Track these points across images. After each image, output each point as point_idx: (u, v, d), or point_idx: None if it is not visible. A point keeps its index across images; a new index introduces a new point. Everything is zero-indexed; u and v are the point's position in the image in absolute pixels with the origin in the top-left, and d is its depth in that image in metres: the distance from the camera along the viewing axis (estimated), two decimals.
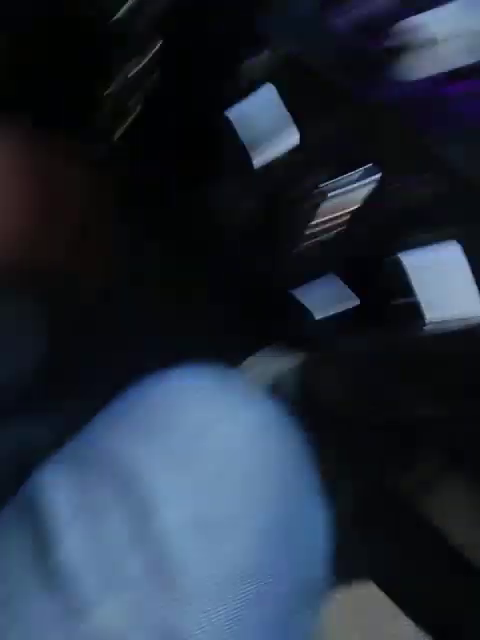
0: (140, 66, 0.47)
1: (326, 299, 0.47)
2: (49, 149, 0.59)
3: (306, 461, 0.37)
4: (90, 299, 0.72)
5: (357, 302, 0.45)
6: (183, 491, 0.30)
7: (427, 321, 0.37)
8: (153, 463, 0.31)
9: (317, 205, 0.39)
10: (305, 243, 0.43)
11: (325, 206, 0.39)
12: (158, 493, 0.30)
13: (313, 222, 0.40)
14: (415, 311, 0.38)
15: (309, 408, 0.64)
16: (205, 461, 0.32)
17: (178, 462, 0.32)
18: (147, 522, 0.29)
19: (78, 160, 0.60)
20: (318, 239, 0.42)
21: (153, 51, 0.48)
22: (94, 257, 0.65)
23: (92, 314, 0.75)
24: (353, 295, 0.45)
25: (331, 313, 0.47)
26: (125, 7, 0.46)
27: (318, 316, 0.48)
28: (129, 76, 0.48)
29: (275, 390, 0.59)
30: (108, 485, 0.30)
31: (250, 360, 0.58)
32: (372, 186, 0.38)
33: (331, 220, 0.41)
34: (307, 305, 0.50)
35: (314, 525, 0.36)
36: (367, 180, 0.37)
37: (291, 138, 0.39)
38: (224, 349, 0.69)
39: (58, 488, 0.31)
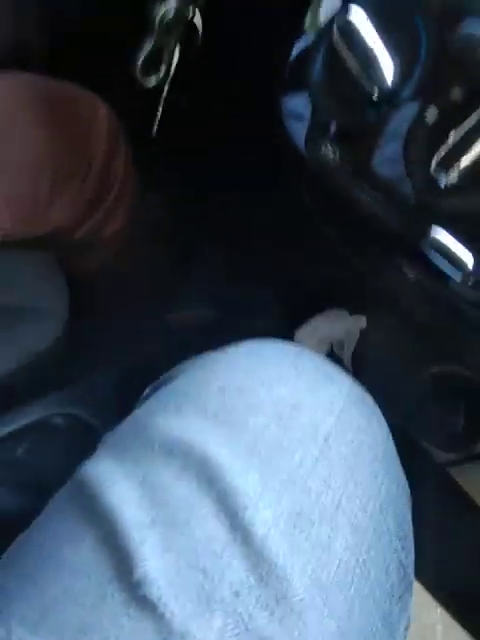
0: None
1: None
2: (71, 99, 0.56)
3: (389, 439, 0.34)
4: (108, 259, 0.69)
5: None
6: (274, 485, 0.26)
7: None
8: (234, 456, 0.26)
9: None
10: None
11: None
12: (247, 490, 0.25)
13: None
14: None
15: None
16: (292, 451, 0.27)
17: (263, 453, 0.27)
18: (240, 525, 0.24)
19: (103, 112, 0.56)
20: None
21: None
22: (115, 214, 0.62)
23: (110, 275, 0.72)
24: None
25: None
26: None
27: None
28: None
29: (339, 351, 0.56)
30: (186, 481, 0.26)
31: (312, 322, 0.53)
32: None
33: None
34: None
35: (404, 510, 0.32)
36: None
37: None
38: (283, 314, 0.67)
39: (122, 487, 0.26)
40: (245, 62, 0.56)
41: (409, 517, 0.33)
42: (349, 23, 0.35)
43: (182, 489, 0.25)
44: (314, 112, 0.39)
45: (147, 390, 0.37)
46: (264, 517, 0.25)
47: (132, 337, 0.76)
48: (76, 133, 0.55)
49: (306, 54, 0.40)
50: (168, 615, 0.22)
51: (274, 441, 0.28)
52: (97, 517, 0.25)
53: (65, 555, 0.25)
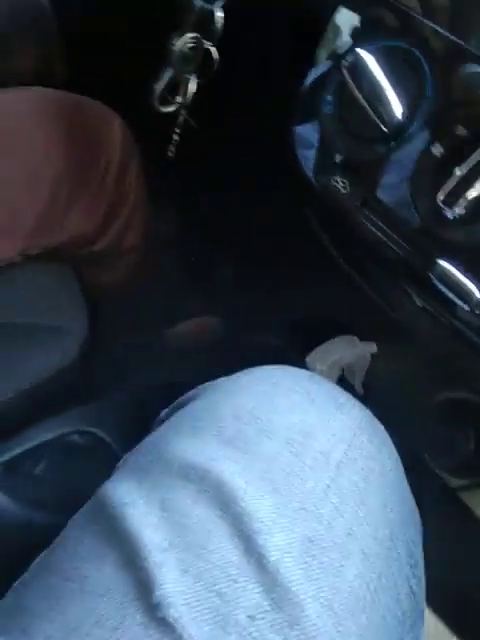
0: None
1: None
2: (86, 111, 0.59)
3: (399, 466, 0.34)
4: (125, 273, 0.71)
5: None
6: (287, 513, 0.27)
7: None
8: (248, 481, 0.27)
9: None
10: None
11: None
12: (260, 515, 0.26)
13: None
14: None
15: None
16: (305, 478, 0.28)
17: (276, 480, 0.28)
18: (254, 549, 0.25)
19: (117, 123, 0.59)
20: None
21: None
22: (131, 226, 0.64)
23: (126, 289, 0.74)
24: None
25: None
26: None
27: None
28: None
29: (349, 377, 0.57)
30: (203, 506, 0.26)
31: (323, 347, 0.55)
32: None
33: None
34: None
35: (414, 537, 0.32)
36: None
37: None
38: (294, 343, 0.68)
39: (142, 510, 0.27)
40: (259, 91, 0.58)
41: (420, 545, 0.33)
42: (358, 61, 0.36)
43: (199, 513, 0.26)
44: (324, 145, 0.40)
45: (163, 413, 0.38)
46: (277, 542, 0.26)
47: (148, 356, 0.78)
48: (91, 144, 0.57)
49: (317, 85, 0.42)
50: (186, 637, 0.23)
51: (287, 468, 0.28)
52: (118, 539, 0.26)
53: (88, 575, 0.26)
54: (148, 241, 0.72)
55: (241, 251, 0.81)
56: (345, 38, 0.41)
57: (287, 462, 0.28)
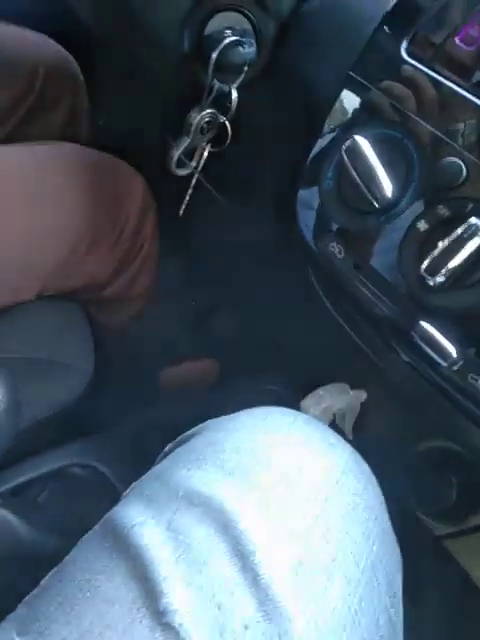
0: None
1: None
2: (111, 168, 0.63)
3: (382, 503, 0.38)
4: (132, 317, 0.75)
5: None
6: (280, 537, 0.30)
7: None
8: (247, 508, 0.31)
9: None
10: None
11: None
12: (256, 538, 0.29)
13: None
14: None
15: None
16: (297, 508, 0.32)
17: (271, 507, 0.31)
18: (250, 567, 0.28)
19: (139, 181, 0.64)
20: None
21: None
22: (142, 273, 0.69)
23: (130, 332, 0.78)
24: None
25: None
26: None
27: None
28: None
29: (340, 422, 0.60)
30: (205, 527, 0.30)
31: (316, 393, 0.59)
32: None
33: None
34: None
35: (394, 570, 0.35)
36: None
37: None
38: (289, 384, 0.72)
39: (150, 529, 0.30)
40: (268, 158, 0.63)
41: (399, 578, 0.36)
42: (355, 145, 0.42)
43: (202, 533, 0.30)
44: (323, 214, 0.45)
45: (168, 447, 0.41)
46: (270, 562, 0.29)
47: (145, 394, 0.81)
48: (115, 199, 0.62)
49: (320, 156, 0.47)
50: None
51: (281, 498, 0.32)
52: (128, 554, 0.29)
53: (100, 585, 0.29)
54: (154, 289, 0.77)
55: (241, 300, 0.86)
56: (347, 115, 0.46)
57: (282, 493, 0.32)
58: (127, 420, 0.71)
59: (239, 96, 0.53)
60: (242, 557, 0.29)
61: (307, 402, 0.58)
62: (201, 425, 0.40)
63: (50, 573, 0.33)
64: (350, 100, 0.46)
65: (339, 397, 0.58)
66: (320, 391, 0.59)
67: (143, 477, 0.37)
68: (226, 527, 0.30)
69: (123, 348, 0.81)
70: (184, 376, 0.91)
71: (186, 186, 0.60)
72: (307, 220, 0.48)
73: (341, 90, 0.47)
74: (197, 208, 0.62)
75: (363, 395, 0.58)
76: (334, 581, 0.30)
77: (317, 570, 0.30)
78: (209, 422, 0.40)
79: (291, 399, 0.66)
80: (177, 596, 0.27)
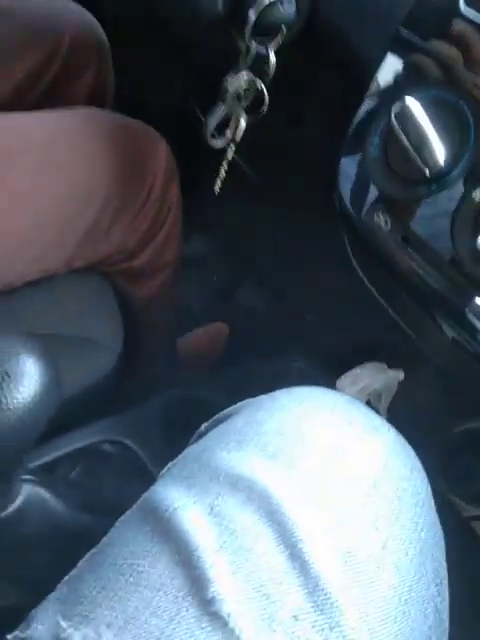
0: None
1: None
2: (134, 133, 0.62)
3: (429, 489, 0.36)
4: (160, 289, 0.74)
5: None
6: (327, 524, 0.29)
7: None
8: (292, 493, 0.30)
9: None
10: None
11: None
12: (303, 525, 0.28)
13: None
14: None
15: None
16: (343, 493, 0.30)
17: (317, 493, 0.30)
18: (298, 555, 0.27)
19: (162, 146, 0.62)
20: None
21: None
22: (170, 241, 0.67)
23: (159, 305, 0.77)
24: None
25: None
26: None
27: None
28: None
29: (375, 402, 0.59)
30: (250, 513, 0.29)
31: (354, 371, 0.57)
32: None
33: None
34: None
35: (440, 557, 0.34)
36: None
37: None
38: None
39: (193, 513, 0.29)
40: (304, 126, 0.61)
41: (444, 564, 0.35)
42: (405, 109, 0.39)
43: (246, 519, 0.28)
44: (367, 183, 0.43)
45: (203, 426, 0.40)
46: (319, 551, 0.28)
47: (177, 372, 0.80)
48: (138, 163, 0.61)
49: (364, 123, 0.45)
50: (237, 631, 0.25)
51: (327, 483, 0.31)
52: (171, 538, 0.28)
53: (142, 571, 0.28)
54: (181, 261, 0.75)
55: (269, 275, 0.84)
56: (395, 78, 0.44)
57: (327, 477, 0.31)
58: (157, 396, 0.70)
59: (277, 59, 0.51)
60: (289, 545, 0.28)
61: (343, 381, 0.57)
62: (239, 404, 0.39)
63: (89, 554, 0.32)
64: (398, 61, 0.43)
65: (377, 376, 0.56)
66: (357, 370, 0.57)
67: (180, 457, 0.35)
68: (271, 513, 0.29)
69: (151, 320, 0.80)
70: (198, 343, 0.90)
71: (217, 158, 0.57)
72: (350, 190, 0.45)
73: (388, 49, 0.44)
74: (226, 181, 0.60)
75: (400, 375, 0.56)
76: (384, 570, 0.29)
77: (367, 559, 0.29)
78: (248, 401, 0.39)
79: (319, 376, 0.65)
80: (224, 585, 0.26)
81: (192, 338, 0.92)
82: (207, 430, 0.39)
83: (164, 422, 0.66)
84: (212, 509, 0.29)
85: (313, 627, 0.26)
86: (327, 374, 0.60)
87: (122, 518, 0.34)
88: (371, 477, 0.32)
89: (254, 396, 0.39)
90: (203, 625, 0.25)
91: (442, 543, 0.36)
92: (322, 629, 0.26)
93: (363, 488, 0.31)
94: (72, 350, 0.60)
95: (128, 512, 0.34)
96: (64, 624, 0.26)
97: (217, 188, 0.55)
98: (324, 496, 0.30)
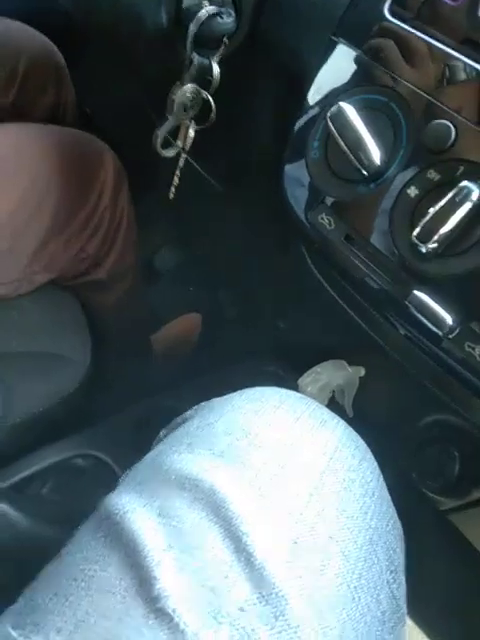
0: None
1: None
2: (79, 143, 0.64)
3: (379, 478, 0.37)
4: (125, 296, 0.75)
5: None
6: (273, 517, 0.30)
7: None
8: (238, 489, 0.30)
9: None
10: None
11: None
12: (249, 519, 0.29)
13: None
14: None
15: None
16: (290, 486, 0.31)
17: (264, 488, 0.31)
18: (243, 549, 0.28)
19: (108, 153, 0.64)
20: None
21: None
22: (128, 246, 0.69)
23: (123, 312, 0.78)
24: None
25: None
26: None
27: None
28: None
29: (339, 399, 0.60)
30: (197, 511, 0.29)
31: (315, 369, 0.58)
32: None
33: None
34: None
35: (395, 544, 0.35)
36: None
37: None
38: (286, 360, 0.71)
39: (141, 516, 0.30)
40: (253, 133, 0.62)
41: (400, 552, 0.36)
42: (340, 113, 0.40)
43: (193, 517, 0.29)
44: (312, 187, 0.44)
45: (162, 433, 0.41)
46: (264, 542, 0.28)
47: (144, 380, 0.81)
48: (85, 173, 0.62)
49: (306, 127, 0.46)
50: (182, 626, 0.25)
51: (274, 477, 0.31)
52: (121, 542, 0.29)
53: (94, 575, 0.28)
54: (141, 268, 0.76)
55: (238, 283, 0.85)
56: (332, 82, 0.45)
57: (274, 471, 0.31)
58: (128, 406, 0.70)
59: (221, 69, 0.52)
60: (235, 539, 0.28)
61: (305, 380, 0.58)
62: (195, 408, 0.39)
63: (48, 565, 0.33)
64: (334, 66, 0.45)
65: (336, 373, 0.57)
66: (317, 368, 0.58)
67: (137, 464, 0.36)
68: (217, 509, 0.29)
69: (120, 328, 0.81)
70: (172, 336, 0.91)
71: (173, 169, 0.58)
72: (296, 193, 0.46)
73: (324, 56, 0.45)
74: (189, 190, 0.61)
75: (361, 371, 0.57)
76: (331, 559, 0.29)
77: (313, 548, 0.29)
78: (203, 404, 0.40)
79: (290, 379, 0.66)
80: (170, 581, 0.27)
81: (164, 330, 0.92)
82: (165, 435, 0.40)
83: (136, 433, 0.67)
84: (161, 511, 0.30)
85: (259, 617, 0.26)
86: (295, 374, 0.61)
87: (81, 527, 0.34)
88: (317, 469, 0.33)
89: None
90: (150, 622, 0.26)
91: (398, 531, 0.36)
92: (268, 619, 0.26)
93: (309, 480, 0.32)
94: (39, 367, 0.61)
95: (87, 520, 0.34)
96: (14, 633, 0.27)
97: (171, 195, 0.56)
98: (270, 490, 0.31)
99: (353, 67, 0.42)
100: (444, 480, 0.63)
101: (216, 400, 0.39)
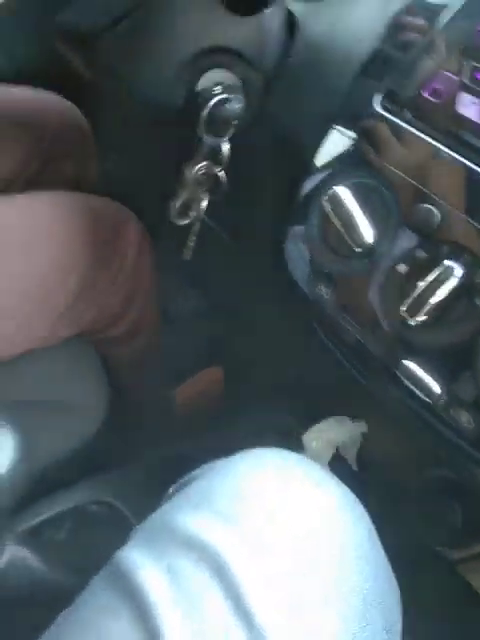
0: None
1: None
2: (102, 209, 0.67)
3: (373, 539, 0.39)
4: (143, 349, 0.78)
5: None
6: (271, 578, 0.32)
7: None
8: (239, 551, 0.33)
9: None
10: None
11: None
12: (248, 580, 0.31)
13: None
14: None
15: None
16: (286, 550, 0.34)
17: (263, 547, 0.33)
18: (243, 608, 0.30)
19: (132, 219, 0.68)
20: None
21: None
22: (147, 307, 0.72)
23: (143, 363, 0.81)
24: None
25: None
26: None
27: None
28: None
29: (340, 455, 0.62)
30: (201, 571, 0.32)
31: (319, 425, 0.61)
32: None
33: None
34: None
35: (391, 603, 0.37)
36: None
37: None
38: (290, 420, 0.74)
39: (151, 572, 0.32)
40: (261, 203, 0.66)
41: (397, 612, 0.37)
42: (335, 194, 0.44)
43: (198, 577, 0.32)
44: (312, 259, 0.48)
45: (171, 489, 0.44)
46: (263, 604, 0.31)
47: (162, 432, 0.84)
48: (112, 238, 0.66)
49: (308, 200, 0.50)
50: None
51: (271, 540, 0.34)
52: (131, 597, 0.32)
53: (105, 627, 0.31)
54: (160, 323, 0.80)
55: (246, 334, 0.88)
56: (331, 162, 0.49)
57: (272, 535, 0.34)
58: (142, 455, 0.73)
59: (233, 144, 0.57)
60: (235, 598, 0.31)
61: (309, 436, 0.60)
62: (202, 468, 0.42)
63: (62, 613, 0.36)
64: (332, 148, 0.49)
65: (339, 429, 0.60)
66: (321, 425, 0.61)
67: (146, 520, 0.39)
68: (219, 570, 0.32)
69: (137, 380, 0.84)
70: (195, 391, 0.94)
71: (189, 234, 0.63)
72: (297, 264, 0.50)
73: (324, 138, 0.50)
74: (204, 245, 0.65)
75: (363, 426, 0.60)
76: (327, 620, 0.31)
77: (309, 610, 0.31)
78: (208, 466, 0.42)
79: (297, 429, 0.68)
80: (176, 637, 0.29)
81: (188, 384, 0.95)
82: (174, 493, 0.43)
83: (150, 481, 0.69)
84: (169, 568, 0.32)
85: None
86: (299, 429, 0.64)
87: (94, 578, 0.37)
88: (313, 532, 0.35)
89: (236, 453, 0.43)
90: None
91: (394, 590, 0.38)
92: None
93: (306, 543, 0.34)
94: (55, 415, 0.64)
95: (100, 572, 0.37)
96: None
97: (188, 257, 0.61)
98: (268, 553, 0.33)
99: (348, 152, 0.47)
100: (447, 533, 0.65)
101: (220, 462, 0.41)
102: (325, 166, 0.50)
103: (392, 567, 0.62)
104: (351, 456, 0.60)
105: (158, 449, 0.74)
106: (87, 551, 0.59)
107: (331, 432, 0.59)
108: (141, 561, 0.33)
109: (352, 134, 0.47)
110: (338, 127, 0.48)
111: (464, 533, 0.61)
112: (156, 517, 0.39)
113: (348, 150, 0.47)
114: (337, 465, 0.67)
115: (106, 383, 0.70)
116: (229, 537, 0.34)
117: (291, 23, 0.57)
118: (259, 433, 0.70)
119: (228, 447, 0.45)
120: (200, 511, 0.36)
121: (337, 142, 0.48)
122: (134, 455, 0.72)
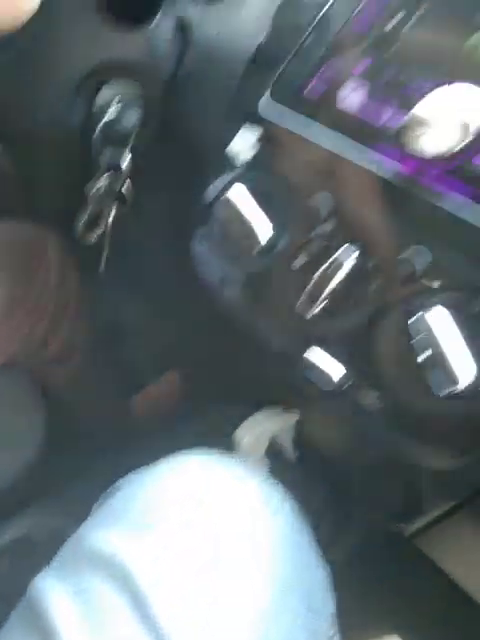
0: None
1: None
2: (29, 235, 0.67)
3: (295, 525, 0.39)
4: (76, 370, 0.78)
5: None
6: (177, 587, 0.33)
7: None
8: (147, 559, 0.33)
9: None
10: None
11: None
12: (154, 589, 0.32)
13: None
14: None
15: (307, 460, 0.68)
16: (193, 555, 0.34)
17: (174, 551, 0.34)
18: (149, 618, 0.31)
19: (53, 242, 0.68)
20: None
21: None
22: (77, 329, 0.72)
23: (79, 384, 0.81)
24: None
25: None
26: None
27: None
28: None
29: (274, 447, 0.63)
30: (108, 585, 0.32)
31: (249, 420, 0.62)
32: None
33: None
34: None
35: (314, 584, 0.37)
36: None
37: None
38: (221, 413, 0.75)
39: (59, 594, 0.33)
40: (168, 212, 0.67)
41: (324, 591, 0.38)
42: (229, 197, 0.45)
43: (104, 592, 0.32)
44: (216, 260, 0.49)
45: (94, 506, 0.44)
46: (168, 612, 0.31)
47: (117, 443, 0.83)
48: (31, 258, 0.66)
49: (214, 196, 0.51)
50: None
51: (179, 547, 0.34)
52: (39, 623, 0.32)
53: None
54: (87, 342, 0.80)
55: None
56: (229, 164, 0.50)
57: (179, 539, 0.35)
58: (97, 469, 0.72)
59: (138, 156, 0.57)
60: (143, 608, 0.31)
61: (241, 431, 0.61)
62: (123, 479, 0.42)
63: None
64: (240, 146, 0.50)
65: (272, 420, 0.61)
66: (251, 419, 0.62)
67: (67, 541, 0.39)
68: (126, 581, 0.32)
69: (83, 396, 0.83)
70: (155, 398, 0.94)
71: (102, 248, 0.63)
72: (207, 266, 0.51)
73: (223, 140, 0.50)
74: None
75: (295, 416, 0.61)
76: (238, 613, 0.32)
77: (218, 611, 0.32)
78: (132, 475, 0.43)
79: (230, 428, 0.69)
80: None
81: (146, 391, 0.95)
82: (97, 507, 0.43)
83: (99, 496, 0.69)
84: (77, 588, 0.33)
85: None
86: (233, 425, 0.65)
87: (16, 607, 0.37)
88: (229, 528, 0.36)
89: None
90: None
91: (318, 571, 0.39)
92: None
93: (219, 540, 0.35)
94: None
95: (20, 602, 0.37)
96: None
97: (101, 270, 0.61)
98: (174, 559, 0.34)
99: (251, 147, 0.47)
100: (391, 508, 0.67)
101: (143, 470, 0.42)
102: (227, 167, 0.51)
103: (352, 548, 0.64)
104: (287, 446, 0.61)
105: (110, 461, 0.74)
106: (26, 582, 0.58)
107: (260, 426, 0.60)
108: (51, 584, 0.34)
109: (257, 132, 0.47)
110: (246, 125, 0.48)
111: (407, 508, 0.63)
112: (73, 537, 0.39)
113: (248, 150, 0.48)
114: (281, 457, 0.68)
115: (42, 406, 0.70)
116: (135, 547, 0.34)
117: (184, 28, 0.57)
118: (204, 435, 0.71)
119: (175, 451, 0.45)
120: (113, 525, 0.36)
121: (245, 140, 0.49)
122: (89, 470, 0.72)
